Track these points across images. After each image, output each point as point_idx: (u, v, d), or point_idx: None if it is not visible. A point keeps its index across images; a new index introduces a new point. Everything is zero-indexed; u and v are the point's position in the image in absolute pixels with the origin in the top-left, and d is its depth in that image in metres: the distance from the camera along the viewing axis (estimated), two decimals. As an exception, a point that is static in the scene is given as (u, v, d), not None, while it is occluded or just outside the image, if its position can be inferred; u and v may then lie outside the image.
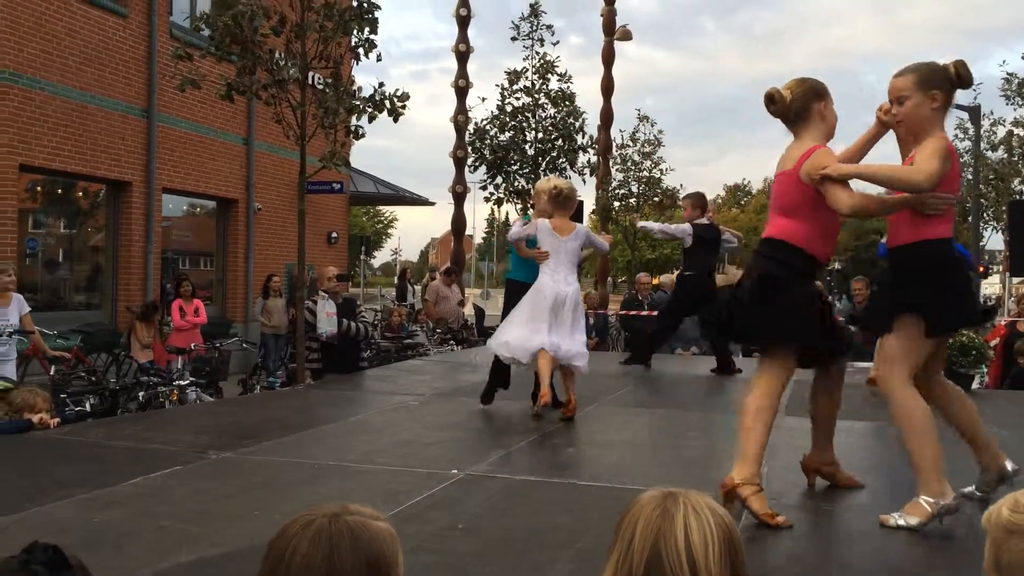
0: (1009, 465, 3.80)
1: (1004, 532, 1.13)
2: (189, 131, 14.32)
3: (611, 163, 20.32)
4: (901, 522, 3.46)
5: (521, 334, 5.80)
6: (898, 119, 3.62)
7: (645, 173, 23.03)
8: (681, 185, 24.03)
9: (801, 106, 3.77)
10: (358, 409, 6.52)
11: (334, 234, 18.99)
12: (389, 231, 64.36)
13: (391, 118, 8.34)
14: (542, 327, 5.76)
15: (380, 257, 77.04)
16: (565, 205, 6.13)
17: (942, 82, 3.60)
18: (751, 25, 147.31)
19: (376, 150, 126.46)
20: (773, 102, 3.80)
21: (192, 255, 15.84)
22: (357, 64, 8.48)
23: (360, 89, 8.70)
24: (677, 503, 1.40)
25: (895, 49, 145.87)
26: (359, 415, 6.24)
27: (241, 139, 15.67)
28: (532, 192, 7.03)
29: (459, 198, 17.97)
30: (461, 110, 17.50)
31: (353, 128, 8.58)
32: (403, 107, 8.30)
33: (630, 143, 23.20)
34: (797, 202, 3.70)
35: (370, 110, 8.31)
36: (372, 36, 8.34)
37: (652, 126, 23.45)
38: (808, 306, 3.68)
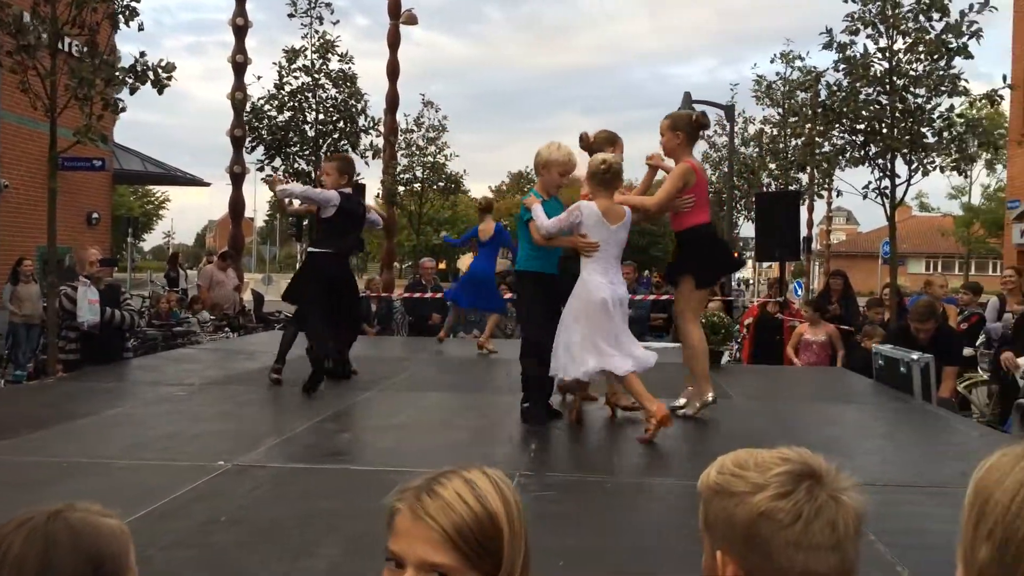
0: (710, 396, 5.47)
1: (711, 492, 1.19)
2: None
3: (396, 147, 20.25)
4: (687, 411, 5.45)
5: (597, 361, 4.82)
6: (663, 150, 5.49)
7: (430, 158, 23.17)
8: (464, 171, 24.39)
9: (601, 148, 5.48)
10: (118, 402, 6.09)
11: (95, 215, 17.61)
12: (161, 212, 60.58)
13: (156, 90, 7.81)
14: (612, 347, 4.87)
15: (151, 240, 72.27)
16: (614, 184, 5.07)
17: (685, 125, 5.40)
18: (536, 17, 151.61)
19: (147, 126, 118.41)
20: (582, 141, 5.69)
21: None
22: (116, 31, 7.87)
23: (119, 58, 8.06)
24: None
25: (666, 49, 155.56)
26: (119, 408, 5.83)
27: (-17, 108, 14.14)
28: (536, 162, 5.31)
29: (237, 179, 17.17)
30: (239, 87, 16.72)
31: (112, 101, 7.96)
32: (168, 79, 7.80)
33: (415, 128, 23.26)
34: None
35: (131, 81, 7.74)
36: (133, 3, 7.77)
37: (437, 111, 23.65)
38: None
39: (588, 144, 5.61)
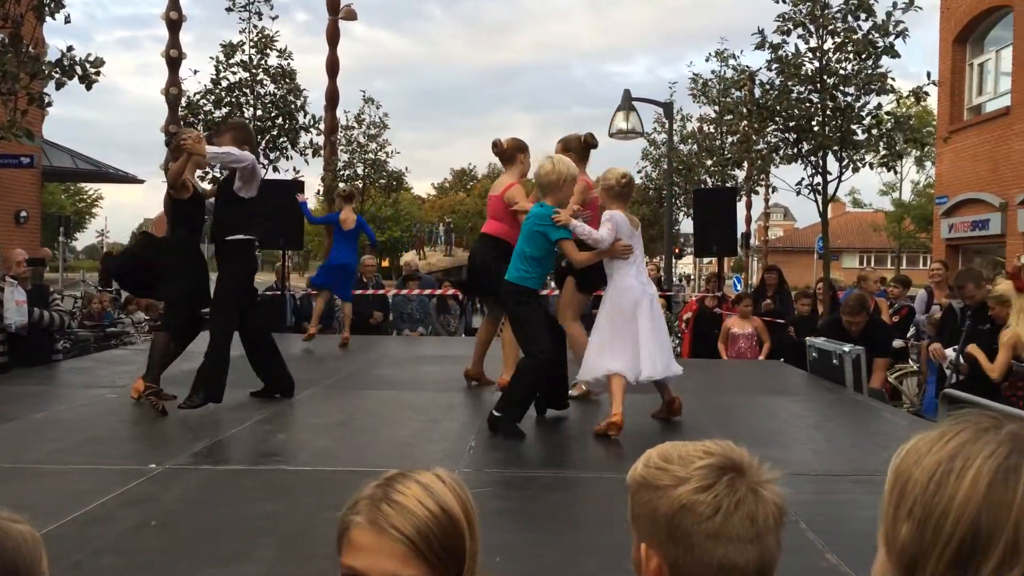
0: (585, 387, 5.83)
1: (637, 485, 1.20)
2: None
3: (336, 144, 20.02)
4: (573, 392, 5.86)
5: (631, 361, 5.02)
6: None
7: (371, 155, 22.98)
8: (407, 168, 24.24)
9: (511, 154, 6.21)
10: (45, 405, 5.90)
11: (23, 213, 17.07)
12: (94, 211, 59.07)
13: (83, 85, 7.60)
14: (636, 347, 5.04)
15: (84, 239, 70.48)
16: (630, 196, 5.49)
17: (576, 146, 6.08)
18: (477, 14, 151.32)
19: (81, 122, 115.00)
20: (495, 147, 6.25)
21: None
22: (42, 24, 7.64)
23: (46, 52, 7.83)
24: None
25: (606, 47, 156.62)
26: (46, 411, 5.65)
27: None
28: (548, 178, 5.10)
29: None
30: (173, 82, 16.32)
31: (38, 96, 7.72)
32: (97, 74, 7.59)
33: (356, 125, 23.04)
34: (501, 213, 6.09)
35: (57, 76, 7.51)
36: (60, -6, 7.56)
37: (378, 108, 23.46)
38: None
39: (502, 151, 6.27)
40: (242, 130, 5.95)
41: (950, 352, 6.78)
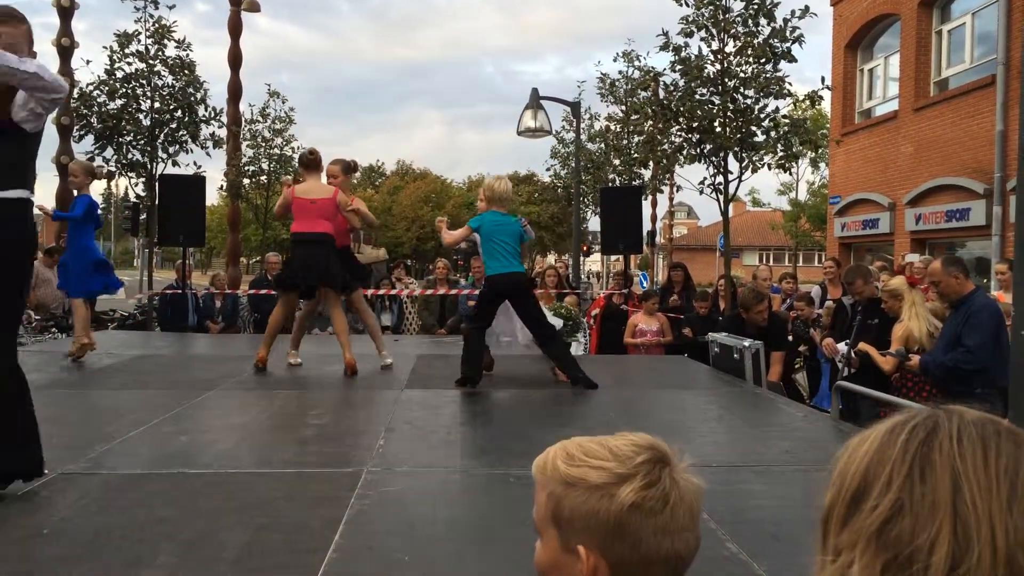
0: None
1: (562, 485, 1.15)
2: None
3: (240, 138, 19.52)
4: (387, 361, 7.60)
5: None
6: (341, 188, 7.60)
7: (277, 150, 22.49)
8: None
9: (319, 162, 7.60)
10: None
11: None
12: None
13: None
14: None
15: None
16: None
17: (345, 168, 7.80)
18: (384, 9, 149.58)
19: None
20: (311, 154, 7.61)
21: None
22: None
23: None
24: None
25: (515, 46, 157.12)
26: (-73, 418, 5.35)
27: None
28: (508, 193, 6.91)
29: (64, 170, 16.08)
30: (65, 72, 15.64)
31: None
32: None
33: (260, 119, 22.51)
34: (331, 214, 7.31)
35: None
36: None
37: (284, 102, 22.97)
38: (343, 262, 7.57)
39: (316, 159, 7.55)
40: (23, 22, 3.87)
41: (842, 346, 7.07)
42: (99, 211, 7.93)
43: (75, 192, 7.89)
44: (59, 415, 5.43)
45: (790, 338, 8.77)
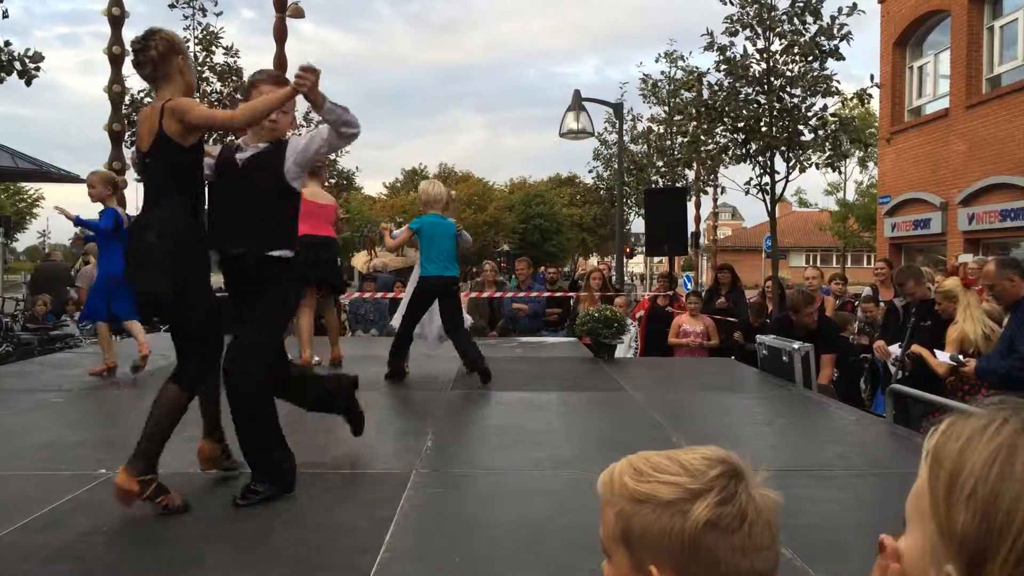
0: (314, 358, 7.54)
1: (631, 502, 1.10)
2: None
3: (285, 143, 19.73)
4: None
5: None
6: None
7: (321, 154, 22.74)
8: (357, 167, 24.05)
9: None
10: (-11, 411, 5.75)
11: (-39, 214, 16.54)
12: (35, 211, 57.49)
13: (23, 81, 7.40)
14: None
15: (25, 240, 68.51)
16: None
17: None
18: (426, 13, 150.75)
19: (18, 120, 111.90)
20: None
21: None
22: (-22, 19, 7.43)
23: (-18, 48, 7.61)
24: None
25: (556, 48, 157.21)
26: (-11, 417, 5.50)
27: None
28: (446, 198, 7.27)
29: (118, 176, 16.43)
30: (116, 80, 15.98)
31: (-24, 92, 7.49)
32: (37, 69, 7.42)
33: (304, 123, 22.77)
34: (335, 220, 7.48)
35: (-4, 72, 7.32)
36: (-3, -12, 7.35)
37: (328, 108, 23.22)
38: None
39: (321, 165, 7.80)
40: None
41: (894, 349, 6.94)
42: (123, 224, 6.86)
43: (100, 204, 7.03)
44: (115, 416, 5.55)
45: (855, 340, 8.63)
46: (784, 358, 7.25)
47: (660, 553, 1.07)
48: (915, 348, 6.48)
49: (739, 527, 1.05)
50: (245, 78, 15.94)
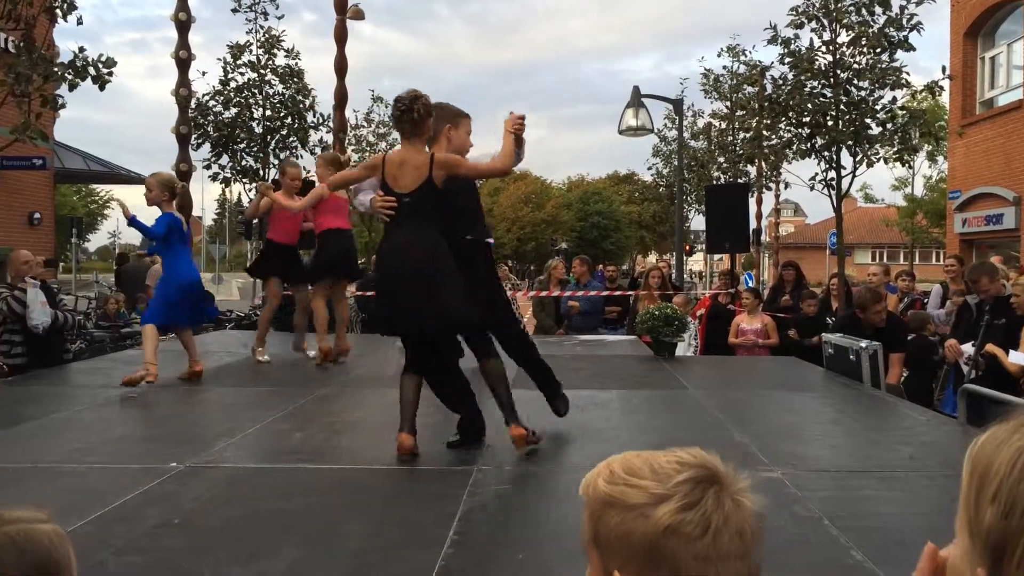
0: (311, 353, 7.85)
1: (601, 504, 1.08)
2: None
3: (346, 143, 20.03)
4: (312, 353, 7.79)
5: None
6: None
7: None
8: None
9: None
10: (66, 405, 5.92)
11: (36, 215, 17.14)
12: (105, 212, 59.31)
13: (96, 86, 7.62)
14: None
15: (96, 240, 70.79)
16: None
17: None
18: (484, 13, 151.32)
19: (91, 124, 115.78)
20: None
21: None
22: (53, 26, 7.67)
23: (58, 54, 7.86)
24: None
25: (614, 44, 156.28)
26: (64, 412, 5.67)
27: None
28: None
29: (184, 177, 16.77)
30: (183, 83, 16.36)
31: (51, 97, 7.74)
32: (110, 74, 7.61)
33: (365, 124, 23.07)
34: (346, 209, 7.60)
35: (70, 77, 7.54)
36: (71, -5, 7.57)
37: (387, 107, 23.46)
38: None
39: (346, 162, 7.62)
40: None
41: (967, 348, 6.73)
42: (182, 228, 6.68)
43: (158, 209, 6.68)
44: (185, 411, 5.69)
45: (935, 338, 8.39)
46: (851, 357, 7.08)
47: (622, 556, 1.04)
48: (989, 347, 6.28)
49: (701, 535, 1.01)
50: (306, 80, 16.20)
